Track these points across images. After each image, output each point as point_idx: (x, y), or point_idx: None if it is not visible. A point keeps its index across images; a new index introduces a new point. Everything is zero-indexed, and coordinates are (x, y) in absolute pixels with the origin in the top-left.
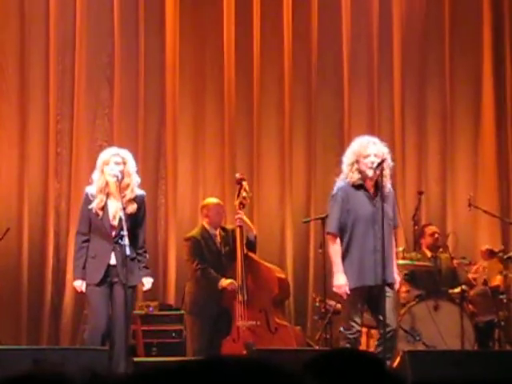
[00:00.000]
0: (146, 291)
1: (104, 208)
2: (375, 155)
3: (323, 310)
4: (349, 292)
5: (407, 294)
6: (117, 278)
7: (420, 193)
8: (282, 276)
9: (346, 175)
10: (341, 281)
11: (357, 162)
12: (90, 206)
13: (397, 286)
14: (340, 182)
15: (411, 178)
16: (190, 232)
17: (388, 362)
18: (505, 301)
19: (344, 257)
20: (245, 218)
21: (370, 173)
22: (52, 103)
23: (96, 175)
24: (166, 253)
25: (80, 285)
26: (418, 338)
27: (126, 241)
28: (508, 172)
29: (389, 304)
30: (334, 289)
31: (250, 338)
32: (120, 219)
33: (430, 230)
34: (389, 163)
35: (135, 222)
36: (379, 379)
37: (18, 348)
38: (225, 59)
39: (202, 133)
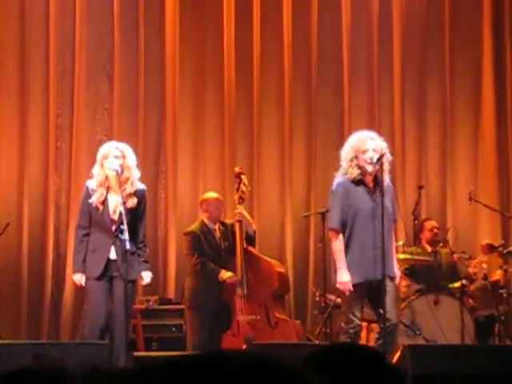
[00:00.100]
0: (145, 285)
1: (104, 202)
2: (374, 150)
3: (323, 305)
4: (352, 289)
5: (407, 288)
6: (117, 272)
7: (420, 187)
8: (282, 270)
9: (346, 171)
10: (344, 278)
11: (356, 157)
12: (90, 200)
13: (397, 281)
14: (339, 178)
15: (411, 172)
16: (190, 227)
17: (388, 356)
18: (505, 295)
19: (344, 252)
20: (244, 213)
21: (369, 168)
22: (52, 98)
23: (96, 169)
24: (165, 247)
25: (79, 278)
26: (418, 333)
27: (126, 235)
28: (508, 166)
29: (389, 298)
30: (338, 285)
31: (250, 332)
32: (120, 213)
33: (429, 224)
34: (388, 157)
35: (135, 216)
36: (379, 373)
37: (17, 343)
38: (225, 55)
39: (203, 127)
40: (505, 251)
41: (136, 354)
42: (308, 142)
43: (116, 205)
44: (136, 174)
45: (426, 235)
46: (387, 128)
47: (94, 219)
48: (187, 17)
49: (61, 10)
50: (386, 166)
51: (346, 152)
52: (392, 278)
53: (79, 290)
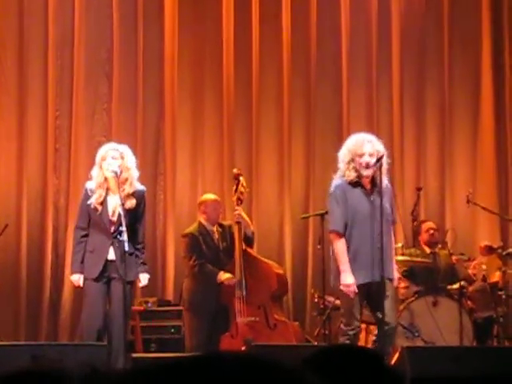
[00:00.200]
0: (142, 287)
1: (103, 203)
2: (370, 155)
3: (322, 306)
4: (357, 291)
5: (406, 290)
6: (115, 273)
7: (418, 189)
8: (281, 272)
9: (343, 173)
10: (349, 280)
11: (352, 160)
12: (88, 202)
13: (396, 283)
14: (337, 180)
15: (410, 172)
16: (188, 228)
17: (386, 358)
18: (503, 297)
19: None
20: (243, 214)
21: (364, 172)
22: (51, 99)
23: (95, 171)
24: (164, 248)
25: (77, 279)
26: (416, 334)
27: (125, 236)
28: (507, 167)
29: (388, 301)
30: (342, 288)
31: (249, 333)
32: (119, 215)
33: (426, 226)
34: (386, 160)
35: (134, 217)
36: (378, 375)
37: (16, 344)
38: (224, 53)
39: (201, 128)
40: (503, 253)
41: (134, 355)
42: (307, 142)
43: (115, 206)
44: (135, 174)
45: (423, 237)
46: (386, 128)
47: (92, 220)
48: (186, 11)
49: (59, 8)
50: (384, 167)
51: (344, 154)
52: (391, 280)
53: (78, 291)
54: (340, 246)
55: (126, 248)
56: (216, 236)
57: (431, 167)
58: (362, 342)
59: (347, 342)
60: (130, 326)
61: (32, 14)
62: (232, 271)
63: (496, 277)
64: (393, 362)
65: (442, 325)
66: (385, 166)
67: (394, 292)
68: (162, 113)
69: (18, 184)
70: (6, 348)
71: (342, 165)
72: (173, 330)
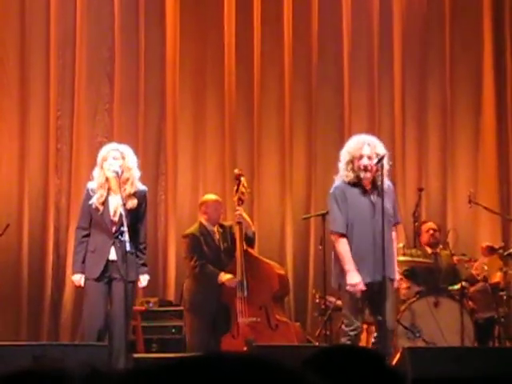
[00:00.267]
0: (142, 288)
1: (105, 203)
2: (369, 157)
3: (323, 307)
4: (364, 289)
5: (407, 290)
6: (116, 273)
7: (420, 189)
8: (282, 272)
9: (342, 173)
10: (355, 279)
11: (351, 161)
12: (90, 202)
13: (396, 285)
14: (337, 180)
15: (411, 173)
16: (189, 229)
17: (387, 359)
18: (505, 297)
19: None
20: (244, 215)
21: (362, 174)
22: (52, 98)
23: (96, 172)
24: (165, 249)
25: (79, 279)
26: (417, 335)
27: (126, 237)
28: (508, 168)
29: (389, 303)
30: (349, 287)
31: (251, 334)
32: (120, 215)
33: (426, 227)
34: (387, 161)
35: (136, 217)
36: (379, 375)
37: (17, 344)
38: (225, 55)
39: (203, 129)
40: (505, 253)
41: (136, 355)
42: (308, 143)
43: (116, 206)
44: (136, 174)
45: (424, 237)
46: (387, 129)
47: (94, 220)
48: (188, 12)
49: (61, 7)
50: (386, 167)
51: (343, 155)
52: (392, 280)
53: (79, 291)
54: (342, 246)
55: (128, 248)
56: (217, 236)
57: (433, 168)
58: (363, 343)
59: (348, 342)
60: (131, 326)
61: (34, 13)
62: (233, 272)
63: (497, 277)
64: (394, 362)
65: (444, 325)
66: (386, 167)
67: (393, 297)
68: (164, 113)
69: (20, 184)
70: (8, 348)
71: (341, 165)
72: (174, 331)
